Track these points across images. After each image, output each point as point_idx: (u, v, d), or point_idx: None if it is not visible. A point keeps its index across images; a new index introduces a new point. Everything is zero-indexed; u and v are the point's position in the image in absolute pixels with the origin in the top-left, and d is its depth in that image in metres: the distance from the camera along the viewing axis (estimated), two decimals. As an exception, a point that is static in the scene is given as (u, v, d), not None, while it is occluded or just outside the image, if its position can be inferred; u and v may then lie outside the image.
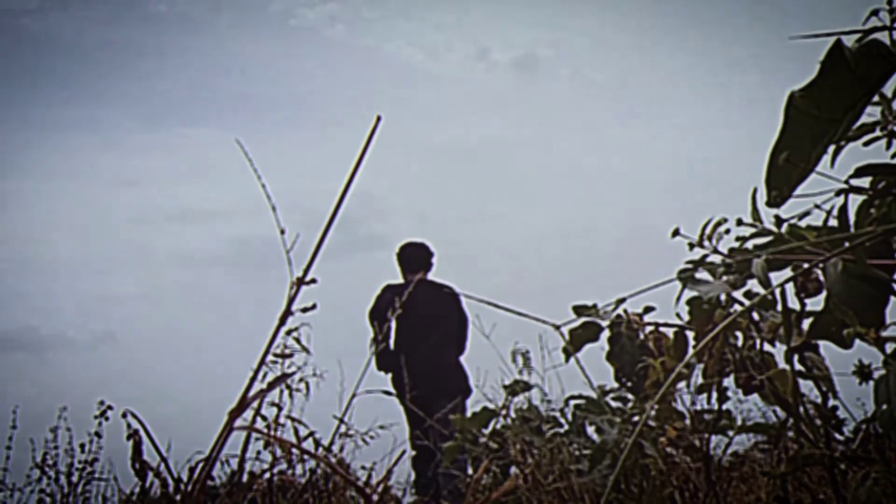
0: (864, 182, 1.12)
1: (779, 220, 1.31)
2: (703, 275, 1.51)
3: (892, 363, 1.06)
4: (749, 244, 1.40)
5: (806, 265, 1.18)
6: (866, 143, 1.10)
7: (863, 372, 1.36)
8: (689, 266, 1.49)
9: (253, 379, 0.67)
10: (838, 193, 1.11)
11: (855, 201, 1.14)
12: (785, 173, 0.83)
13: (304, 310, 0.78)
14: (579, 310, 1.90)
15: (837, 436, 1.51)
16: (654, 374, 1.79)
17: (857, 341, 1.25)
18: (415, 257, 5.59)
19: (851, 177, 1.09)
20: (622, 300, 1.89)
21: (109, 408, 3.37)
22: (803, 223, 1.30)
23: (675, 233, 1.49)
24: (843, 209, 1.09)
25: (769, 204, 0.87)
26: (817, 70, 0.79)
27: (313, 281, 0.71)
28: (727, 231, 1.45)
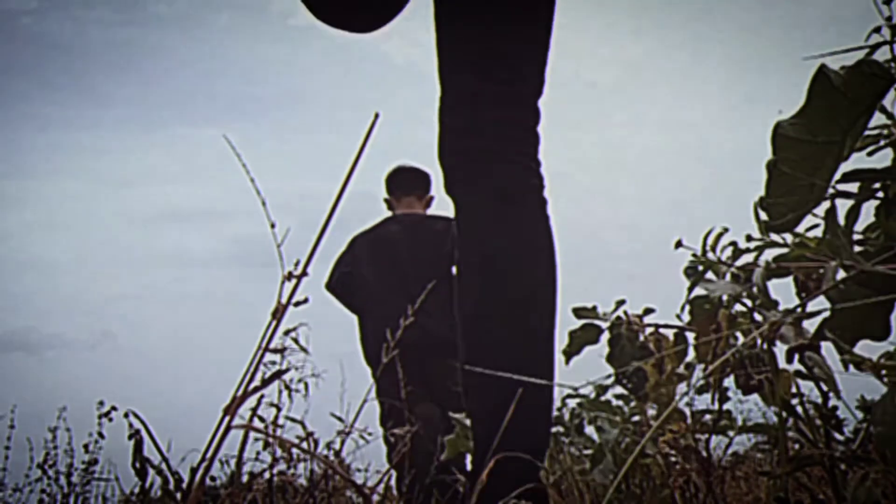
0: (853, 187, 1.13)
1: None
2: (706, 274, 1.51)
3: (888, 384, 1.06)
4: (752, 255, 1.41)
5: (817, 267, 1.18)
6: (870, 154, 1.11)
7: (866, 406, 1.36)
8: (694, 261, 1.49)
9: (249, 376, 0.67)
10: (827, 198, 1.12)
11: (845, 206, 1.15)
12: (783, 198, 0.83)
13: (297, 304, 0.78)
14: (579, 312, 1.90)
15: (837, 436, 1.51)
16: (653, 376, 1.79)
17: (859, 343, 1.25)
18: (405, 180, 3.79)
19: (838, 182, 1.10)
20: (622, 302, 1.90)
21: (113, 408, 3.37)
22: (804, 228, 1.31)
23: (678, 244, 1.49)
24: (832, 214, 1.08)
25: (769, 229, 0.87)
26: (805, 98, 0.78)
27: (304, 275, 0.71)
28: (732, 243, 1.45)
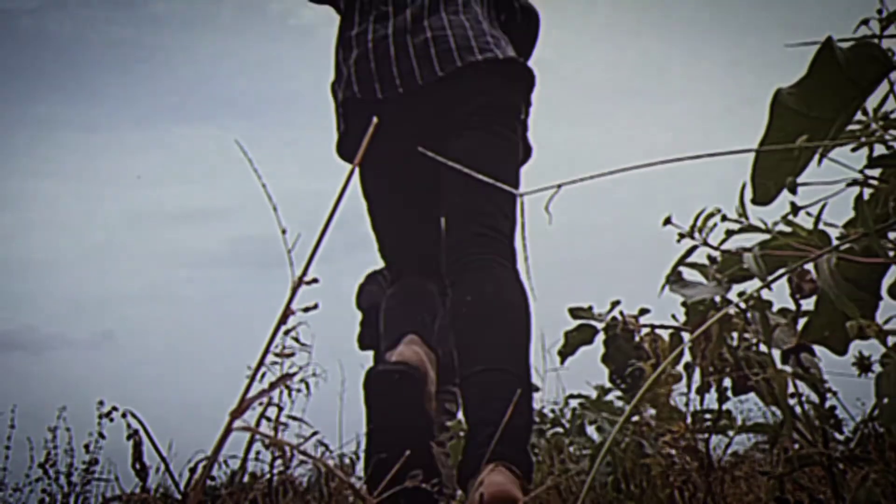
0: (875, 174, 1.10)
1: (793, 208, 1.27)
2: (692, 275, 1.51)
3: (894, 356, 1.05)
4: (738, 242, 1.39)
5: (803, 262, 1.17)
6: (854, 149, 1.09)
7: (863, 364, 1.35)
8: (678, 269, 1.48)
9: (252, 379, 0.68)
10: (850, 185, 1.10)
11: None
12: (770, 171, 0.82)
13: (306, 309, 0.79)
14: (575, 312, 1.90)
15: (836, 435, 1.51)
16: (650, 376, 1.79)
17: (852, 344, 1.25)
18: None
19: (866, 167, 1.07)
20: (617, 302, 1.90)
21: (113, 408, 3.37)
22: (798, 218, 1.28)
23: (667, 221, 1.48)
24: (861, 200, 1.06)
25: (755, 202, 0.86)
26: (807, 68, 0.77)
27: (315, 280, 0.71)
28: (715, 224, 1.43)
